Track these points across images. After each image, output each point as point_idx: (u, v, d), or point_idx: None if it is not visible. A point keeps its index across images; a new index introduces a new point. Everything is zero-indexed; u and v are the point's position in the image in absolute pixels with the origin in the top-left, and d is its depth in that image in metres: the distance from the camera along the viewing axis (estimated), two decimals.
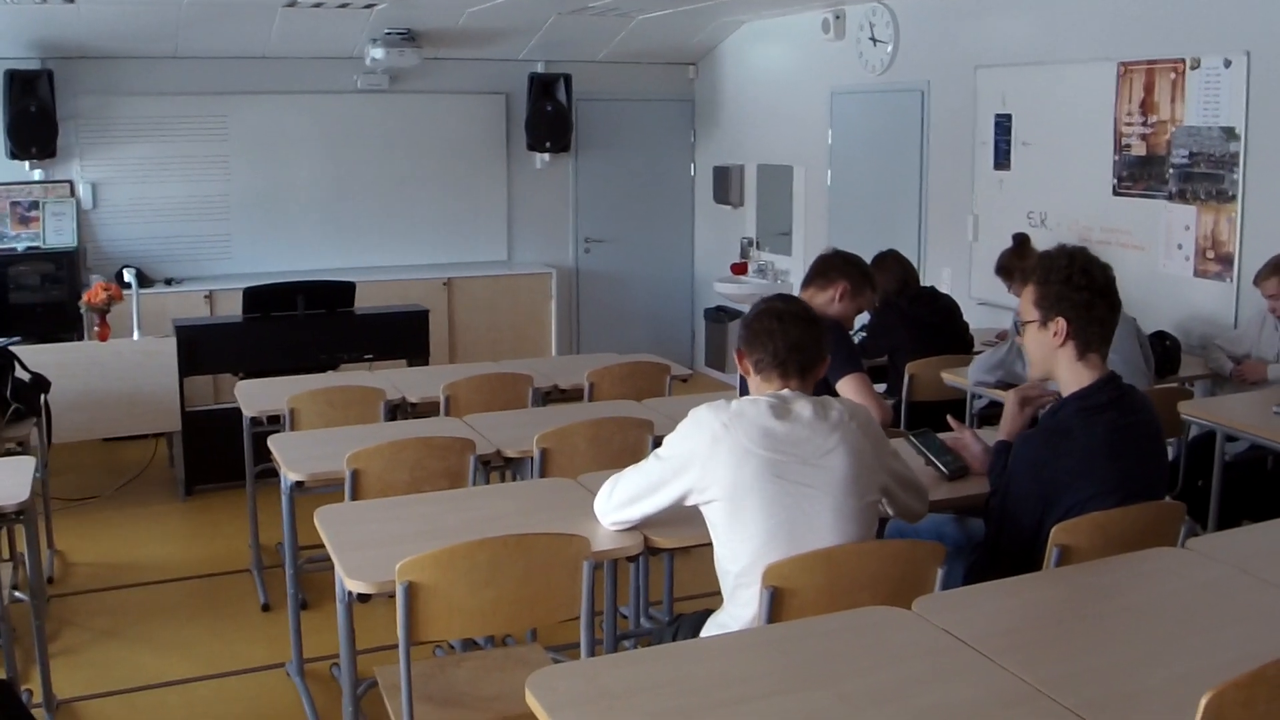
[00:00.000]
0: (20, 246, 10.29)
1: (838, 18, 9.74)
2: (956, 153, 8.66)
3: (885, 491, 3.66)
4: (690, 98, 12.47)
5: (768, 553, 3.39)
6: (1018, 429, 4.21)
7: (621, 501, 3.80)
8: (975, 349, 6.97)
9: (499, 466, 5.38)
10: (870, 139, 9.70)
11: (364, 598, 3.61)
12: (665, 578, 6.01)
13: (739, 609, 3.47)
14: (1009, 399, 4.39)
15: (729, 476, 3.45)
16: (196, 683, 5.68)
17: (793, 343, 3.66)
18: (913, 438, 4.57)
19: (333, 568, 3.74)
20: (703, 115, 12.36)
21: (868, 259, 6.97)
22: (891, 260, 7.20)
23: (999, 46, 8.27)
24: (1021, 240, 7.35)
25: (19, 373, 6.92)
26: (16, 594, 6.09)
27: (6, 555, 6.34)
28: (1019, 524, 3.62)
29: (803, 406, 3.54)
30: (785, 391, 3.62)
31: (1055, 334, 3.69)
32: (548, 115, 11.65)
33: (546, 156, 11.94)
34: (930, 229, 9.02)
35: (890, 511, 3.80)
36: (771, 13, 10.54)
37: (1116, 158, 7.44)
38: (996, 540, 3.70)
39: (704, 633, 3.60)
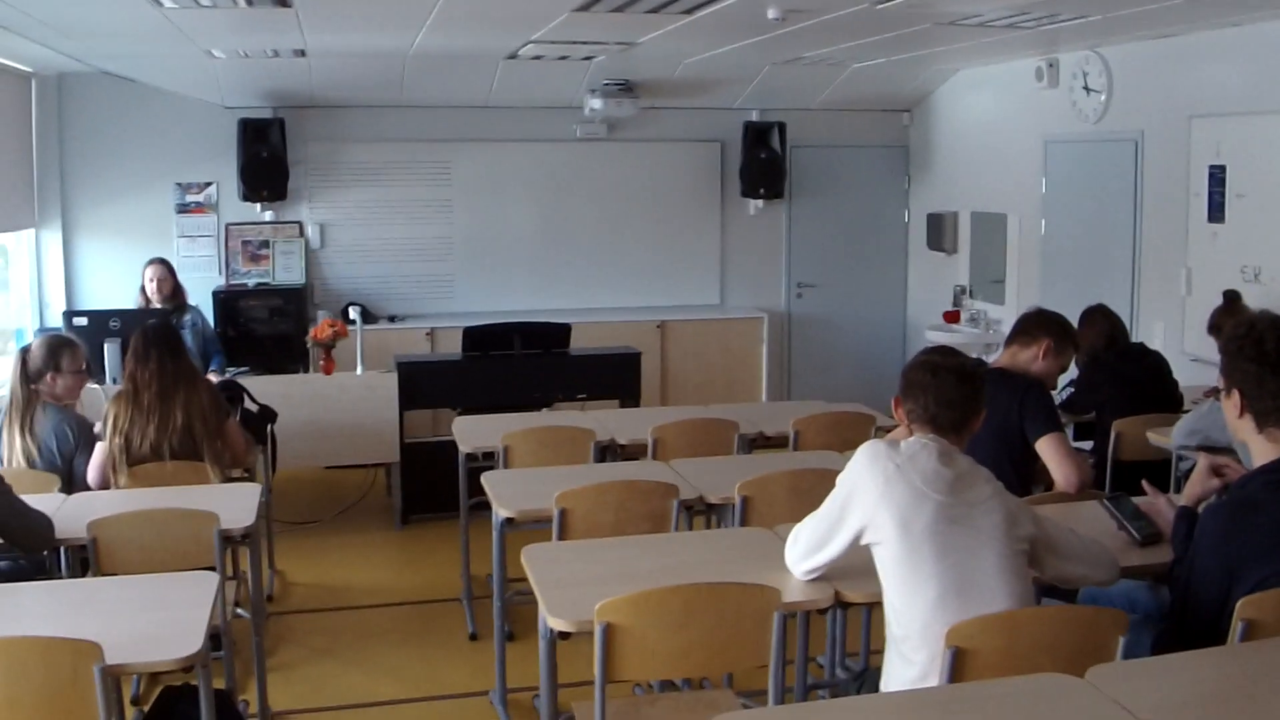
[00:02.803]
0: (251, 283, 10.82)
1: (1051, 65, 9.68)
2: (1170, 204, 8.52)
3: (1032, 545, 3.66)
4: (904, 144, 12.48)
5: (944, 600, 3.46)
6: (1201, 496, 4.15)
7: (805, 550, 3.88)
8: (1184, 408, 6.82)
9: (701, 511, 5.50)
10: (1084, 188, 9.60)
11: (565, 634, 3.75)
12: (862, 629, 6.04)
13: (913, 653, 3.52)
14: (1199, 465, 4.33)
15: (903, 518, 3.52)
16: (404, 705, 5.90)
17: (946, 399, 3.74)
18: (1106, 501, 4.55)
19: (538, 604, 3.90)
20: (917, 162, 12.36)
21: (1080, 310, 6.98)
22: (1099, 316, 7.11)
23: (1213, 96, 8.13)
24: (1232, 297, 7.18)
25: (248, 404, 7.28)
26: (239, 610, 6.44)
27: (231, 573, 6.64)
28: (1204, 597, 3.54)
29: (959, 455, 3.64)
30: (944, 441, 3.70)
31: (1235, 405, 3.63)
32: (762, 162, 11.78)
33: (760, 203, 12.06)
34: (1143, 282, 8.89)
35: (1046, 578, 3.80)
36: (985, 60, 10.51)
37: None
38: (1182, 612, 3.63)
39: (882, 684, 3.66)
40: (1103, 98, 9.19)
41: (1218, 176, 8.06)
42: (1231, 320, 6.19)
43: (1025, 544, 3.63)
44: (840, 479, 3.76)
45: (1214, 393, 3.86)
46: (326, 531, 8.67)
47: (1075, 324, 6.41)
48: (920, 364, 3.83)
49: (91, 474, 5.81)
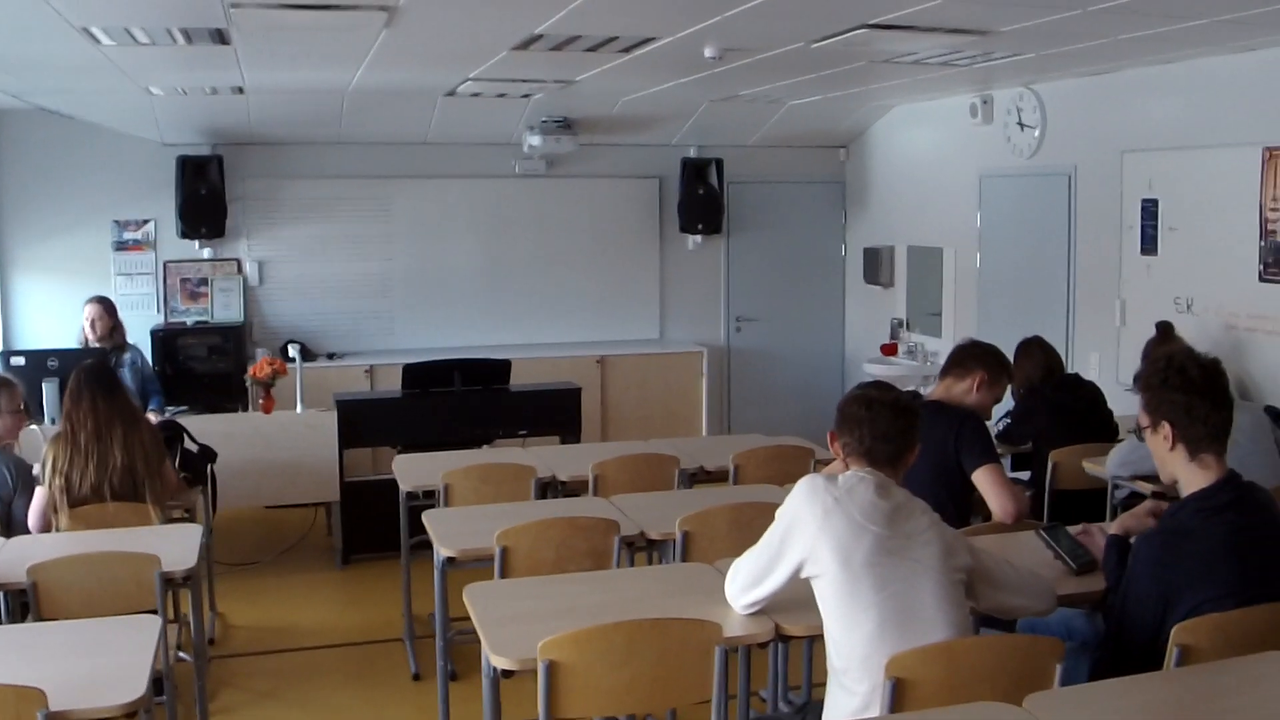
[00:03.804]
0: (189, 320, 10.78)
1: (985, 102, 9.81)
2: (1104, 237, 8.64)
3: (969, 575, 3.71)
4: (841, 180, 12.59)
5: (883, 631, 3.50)
6: (1132, 529, 4.21)
7: (745, 583, 3.92)
8: (1119, 437, 6.92)
9: (643, 548, 5.51)
10: (1019, 222, 9.72)
11: (509, 673, 3.77)
12: (804, 661, 6.06)
13: (855, 684, 3.55)
14: (1144, 504, 4.41)
15: (842, 550, 3.57)
16: None
17: (881, 433, 3.79)
18: (1042, 531, 4.61)
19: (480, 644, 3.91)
20: (853, 197, 12.47)
21: (1016, 342, 7.08)
22: (1035, 347, 7.20)
23: (1145, 131, 8.26)
24: (1165, 328, 7.30)
25: (187, 443, 7.24)
26: (181, 654, 6.37)
27: (171, 616, 6.60)
28: (1140, 623, 3.63)
29: (897, 489, 3.71)
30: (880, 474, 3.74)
31: (1165, 438, 3.71)
32: (700, 198, 11.88)
33: (699, 238, 12.14)
34: (1078, 313, 9.00)
35: (982, 608, 3.85)
36: (920, 97, 10.64)
37: (1262, 243, 7.35)
38: (1118, 638, 3.70)
39: (825, 717, 3.68)
40: (1036, 133, 9.32)
41: (1150, 210, 8.19)
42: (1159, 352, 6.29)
43: (962, 574, 3.68)
44: (779, 512, 3.80)
45: (1137, 432, 3.91)
46: (267, 572, 8.62)
47: (1012, 355, 6.51)
48: (855, 399, 3.89)
49: (32, 519, 5.77)
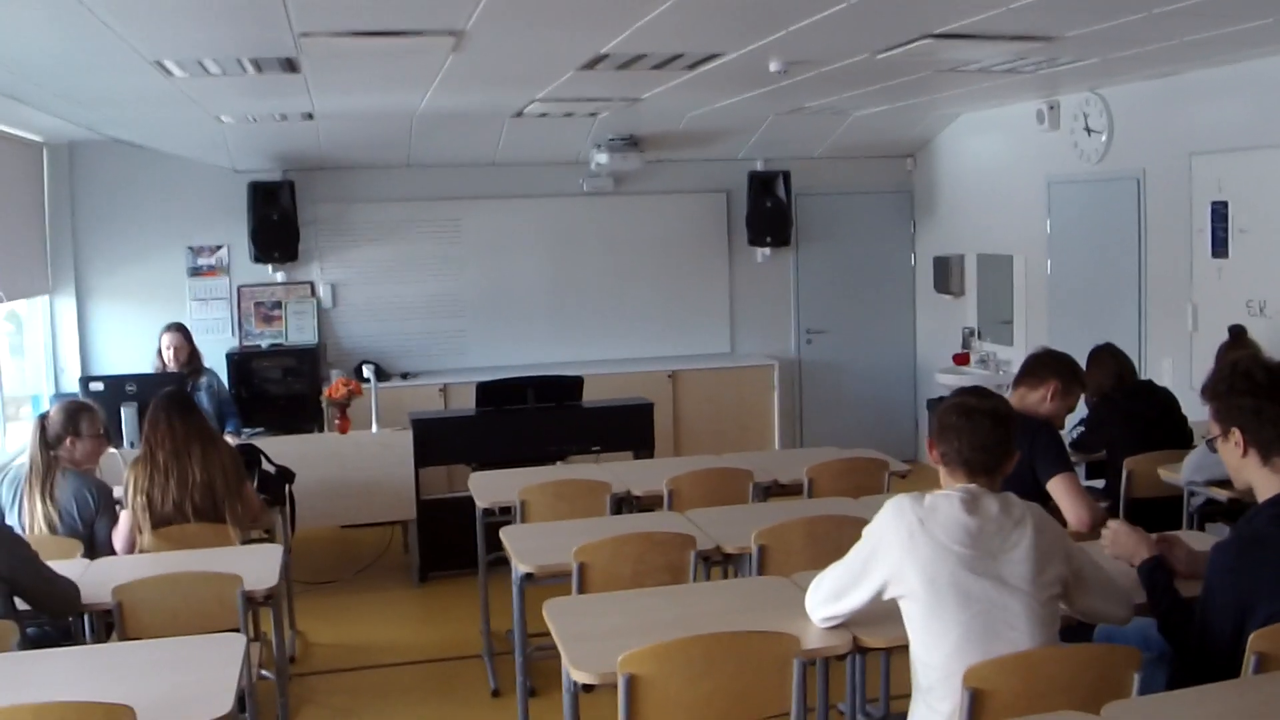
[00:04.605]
0: (264, 344, 10.93)
1: (1051, 108, 9.76)
2: (1174, 241, 8.58)
3: (1064, 585, 3.69)
4: (909, 189, 12.56)
5: (964, 648, 3.49)
6: (1119, 555, 4.26)
7: (826, 597, 3.92)
8: (1194, 443, 6.84)
9: (719, 562, 5.51)
10: (1088, 227, 9.66)
11: (589, 687, 3.79)
12: (881, 674, 6.04)
13: (938, 703, 3.56)
14: (1178, 544, 4.38)
15: (926, 571, 3.56)
16: None
17: (980, 442, 3.75)
18: None
19: (560, 655, 3.94)
20: (922, 206, 12.44)
21: (1088, 349, 7.02)
22: (1106, 355, 7.14)
23: (1213, 133, 8.19)
24: (1238, 332, 7.22)
25: (265, 465, 7.33)
26: (262, 672, 6.44)
27: (252, 635, 6.67)
28: (1217, 632, 3.58)
29: (990, 502, 3.66)
30: (973, 486, 3.72)
31: (1236, 445, 3.68)
32: (768, 211, 11.89)
33: (767, 250, 12.14)
34: (1150, 318, 8.93)
35: (1074, 612, 3.82)
36: (986, 104, 10.60)
37: None
38: (1197, 648, 3.67)
39: None
40: (1104, 138, 9.27)
41: (1220, 212, 8.12)
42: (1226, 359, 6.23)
43: (1057, 587, 3.65)
44: (866, 530, 3.80)
45: (1209, 442, 3.88)
46: (346, 591, 8.70)
47: (1084, 363, 6.46)
48: (953, 407, 3.84)
49: (118, 541, 5.87)
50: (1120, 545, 4.32)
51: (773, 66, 7.15)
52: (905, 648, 3.76)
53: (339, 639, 7.75)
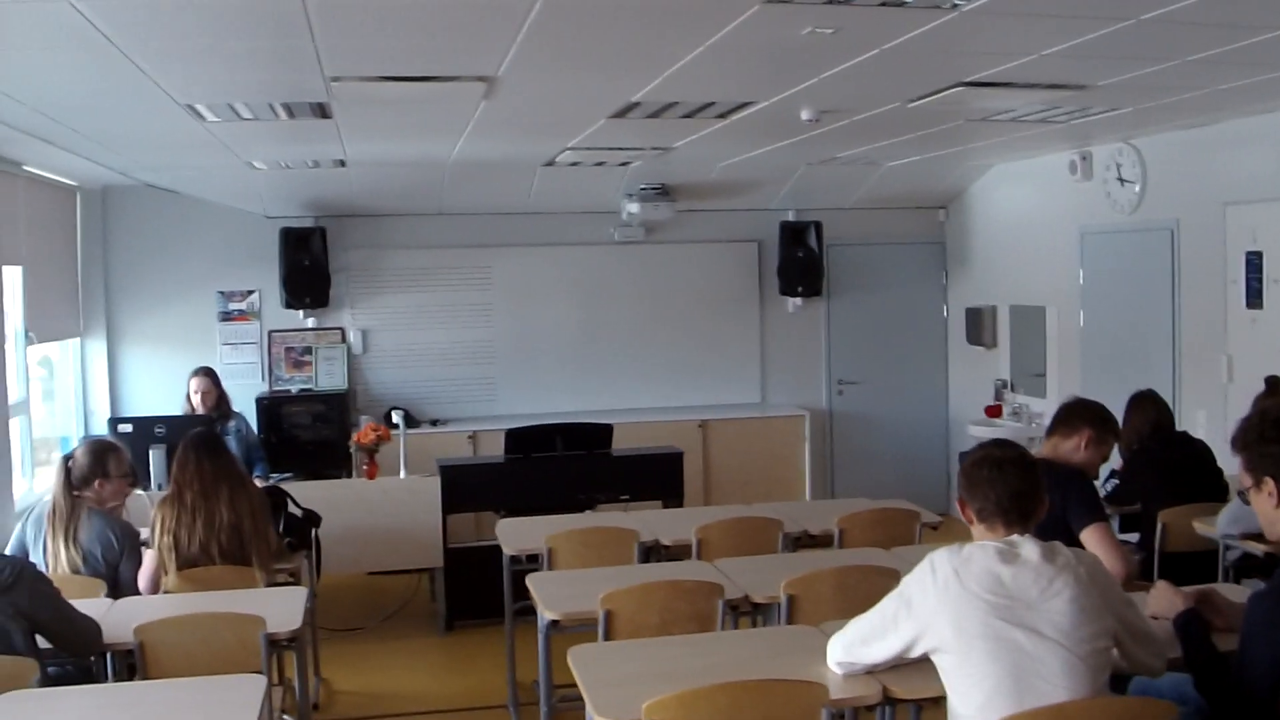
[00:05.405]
0: (294, 388, 10.94)
1: (1084, 158, 9.73)
2: (1208, 291, 8.51)
3: (1116, 639, 3.64)
4: (941, 240, 12.53)
5: (996, 698, 3.44)
6: (1158, 611, 4.20)
7: (851, 641, 3.88)
8: (1228, 497, 6.75)
9: (746, 611, 5.47)
10: (1121, 278, 9.60)
11: None
12: None
13: None
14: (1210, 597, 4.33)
15: (957, 620, 3.51)
16: None
17: (1013, 490, 3.72)
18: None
19: (585, 707, 3.89)
20: (954, 257, 12.40)
21: (1121, 401, 6.94)
22: (1147, 401, 7.06)
23: (1247, 182, 8.13)
24: (1273, 383, 7.12)
25: (292, 509, 7.32)
26: (285, 718, 6.41)
27: (276, 680, 6.63)
28: (1254, 685, 3.52)
29: (1030, 550, 3.60)
30: (1014, 536, 3.67)
31: (1269, 494, 3.63)
32: (799, 261, 11.87)
33: (799, 300, 12.12)
34: (1184, 370, 8.85)
35: (1123, 663, 3.76)
36: (1018, 155, 10.58)
37: None
38: (1235, 701, 3.59)
39: None
40: (1137, 188, 9.22)
41: (1255, 263, 8.06)
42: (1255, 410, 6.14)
43: (1106, 640, 3.60)
44: (903, 581, 3.77)
45: (1242, 494, 3.83)
46: (371, 638, 8.65)
47: (1121, 411, 6.39)
48: (981, 460, 3.81)
49: (142, 581, 5.85)
50: (1157, 601, 4.26)
51: (804, 115, 7.15)
52: (936, 700, 3.72)
53: (363, 687, 7.70)
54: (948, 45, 5.43)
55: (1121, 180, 9.40)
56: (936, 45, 5.38)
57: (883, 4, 4.62)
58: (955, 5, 4.64)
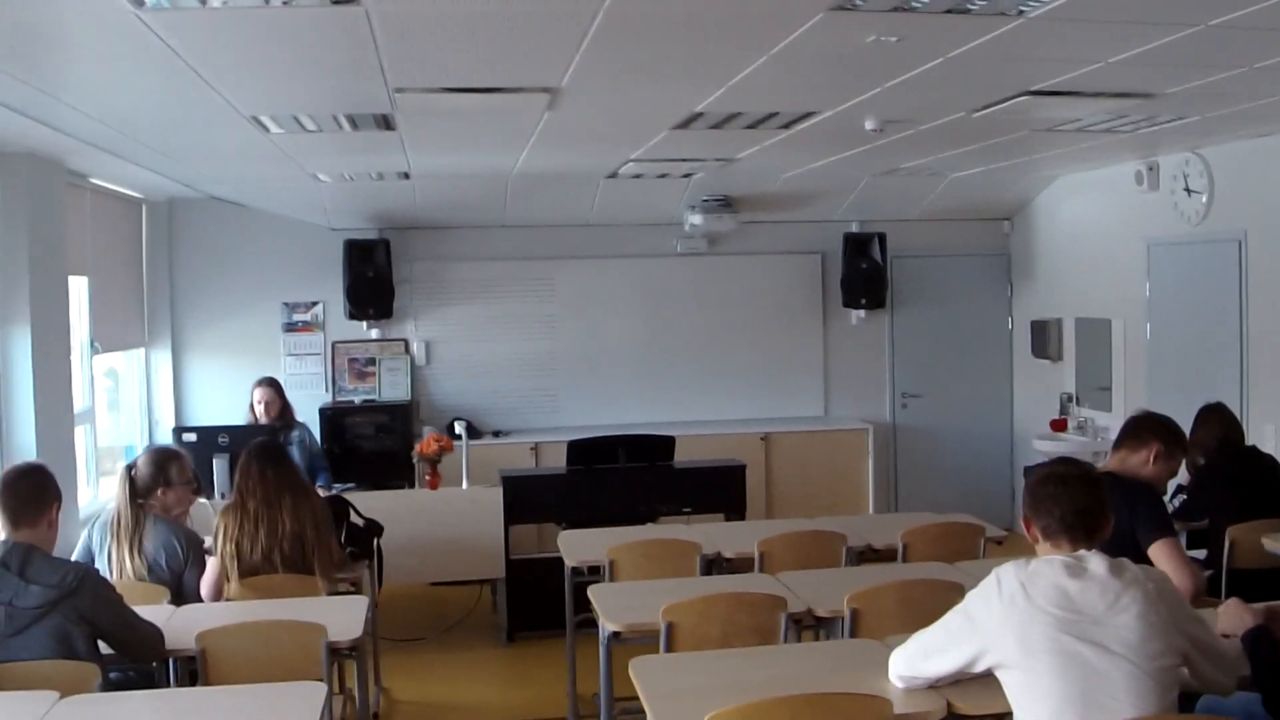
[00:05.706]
0: (358, 399, 10.99)
1: (1151, 169, 9.62)
2: (1276, 303, 8.38)
3: (1185, 657, 3.59)
4: (1006, 252, 12.42)
5: (1063, 715, 3.40)
6: (1226, 628, 4.12)
7: (914, 654, 3.85)
8: None
9: (810, 625, 5.44)
10: (1188, 290, 9.48)
11: None
12: None
13: None
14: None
15: (1021, 634, 3.48)
16: None
17: (1079, 507, 3.70)
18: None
19: (646, 717, 3.87)
20: (1019, 269, 12.29)
21: (1188, 415, 6.84)
22: (1215, 415, 6.95)
23: None
24: None
25: (354, 518, 7.34)
26: None
27: (337, 689, 6.64)
28: None
29: (1097, 564, 3.57)
30: (1080, 552, 3.64)
31: None
32: (863, 273, 11.81)
33: (862, 313, 12.05)
34: (1252, 383, 8.72)
35: (1194, 682, 3.71)
36: (1084, 166, 10.48)
37: None
38: None
39: None
40: (1204, 199, 9.11)
41: None
42: None
43: (1173, 657, 3.55)
44: (968, 595, 3.75)
45: None
46: (432, 649, 8.67)
47: (1187, 426, 6.30)
48: (1046, 478, 3.79)
49: (205, 588, 5.88)
50: (1227, 618, 4.20)
51: (868, 125, 7.11)
52: (1001, 716, 3.68)
53: (424, 697, 7.72)
54: (1013, 53, 5.38)
55: (1189, 191, 9.29)
56: (1001, 53, 5.33)
57: (948, 11, 4.58)
58: (1021, 12, 4.60)
